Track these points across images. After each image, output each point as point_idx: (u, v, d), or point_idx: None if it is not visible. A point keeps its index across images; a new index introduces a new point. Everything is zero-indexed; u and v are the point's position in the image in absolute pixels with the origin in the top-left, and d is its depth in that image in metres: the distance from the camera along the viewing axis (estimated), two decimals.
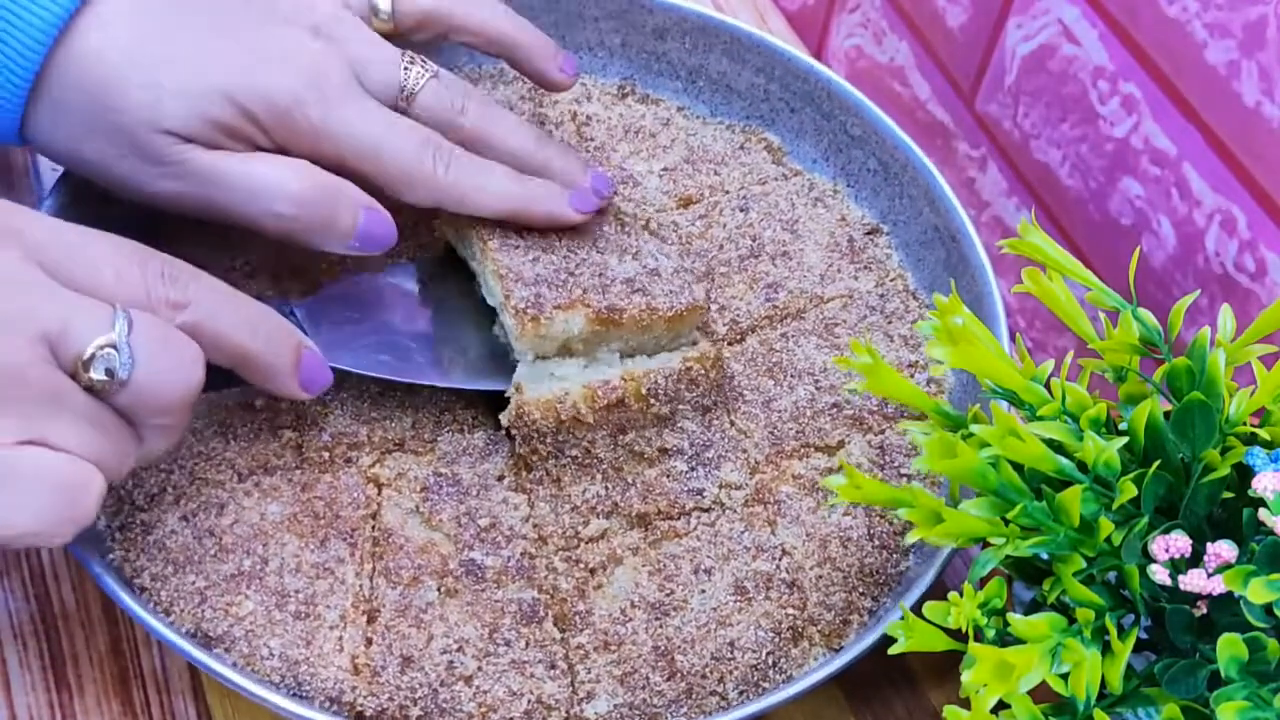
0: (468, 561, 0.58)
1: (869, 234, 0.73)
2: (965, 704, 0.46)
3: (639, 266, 0.62)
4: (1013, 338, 0.65)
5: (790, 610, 0.58)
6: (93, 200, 0.63)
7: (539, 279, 0.60)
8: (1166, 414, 0.48)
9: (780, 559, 0.60)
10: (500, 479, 0.61)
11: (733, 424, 0.64)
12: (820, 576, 0.59)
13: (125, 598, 0.53)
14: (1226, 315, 0.51)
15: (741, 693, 0.56)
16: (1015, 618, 0.46)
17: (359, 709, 0.54)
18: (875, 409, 0.65)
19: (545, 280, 0.60)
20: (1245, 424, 0.48)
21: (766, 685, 0.56)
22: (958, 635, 0.47)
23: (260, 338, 0.54)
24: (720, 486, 0.61)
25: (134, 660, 0.59)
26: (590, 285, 0.60)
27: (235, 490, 0.58)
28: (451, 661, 0.55)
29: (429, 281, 0.67)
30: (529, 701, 0.54)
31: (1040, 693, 0.45)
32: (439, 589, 0.57)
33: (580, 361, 0.61)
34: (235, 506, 0.58)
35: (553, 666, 0.56)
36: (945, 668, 0.63)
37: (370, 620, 0.56)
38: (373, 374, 0.61)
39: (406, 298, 0.67)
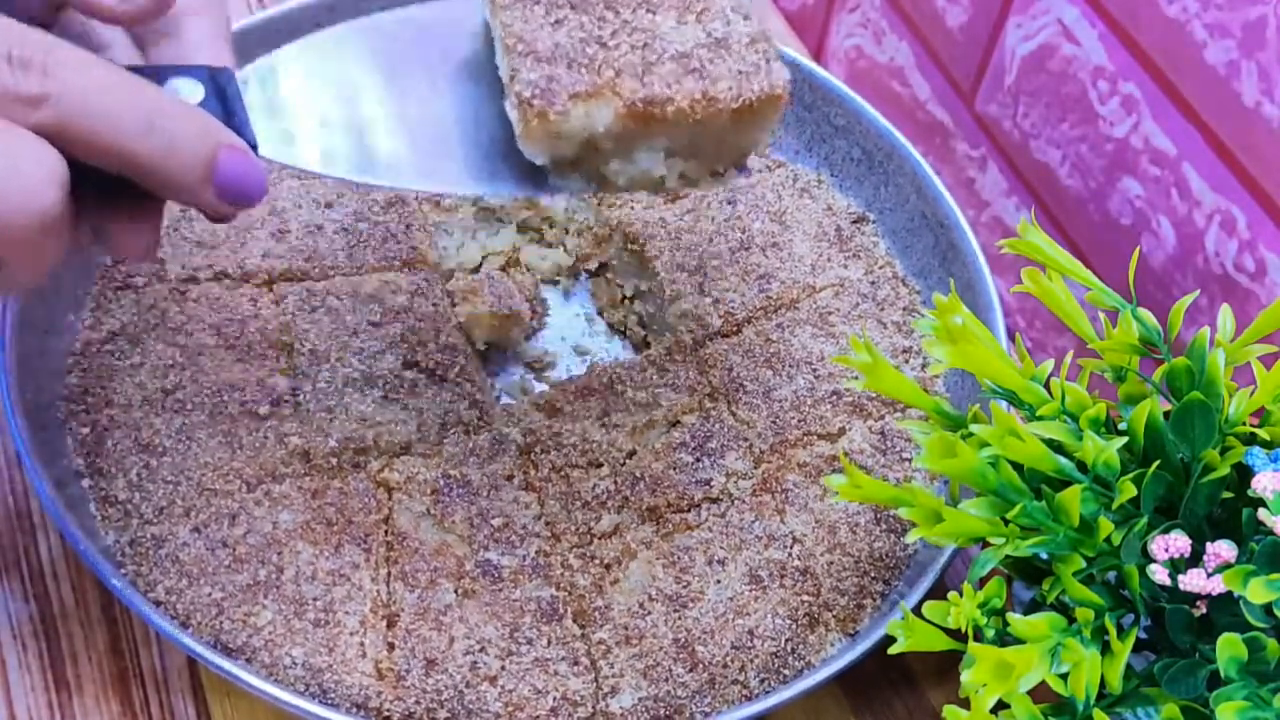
0: (483, 562, 0.58)
1: (855, 222, 0.74)
2: (965, 704, 0.46)
3: (701, 33, 0.49)
4: (1012, 337, 0.65)
5: (805, 597, 0.59)
6: None
7: (558, 53, 0.48)
8: (1166, 414, 0.48)
9: (791, 547, 0.60)
10: (510, 478, 0.61)
11: (734, 414, 0.64)
12: (832, 562, 0.60)
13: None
14: (1226, 315, 0.51)
15: (763, 681, 0.57)
16: (1015, 618, 0.46)
17: (386, 714, 0.54)
18: (875, 395, 0.65)
19: (565, 55, 0.48)
20: (1245, 424, 0.48)
21: (787, 672, 0.57)
22: (958, 635, 0.47)
23: (155, 136, 0.42)
24: (727, 476, 0.62)
25: (133, 659, 0.59)
26: (626, 63, 0.48)
27: (245, 500, 0.58)
28: (475, 662, 0.55)
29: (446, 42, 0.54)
30: (554, 699, 0.55)
31: (1040, 693, 0.45)
32: (456, 590, 0.57)
33: (612, 163, 0.49)
34: (246, 516, 0.58)
35: (575, 663, 0.56)
36: (945, 668, 0.63)
37: (390, 625, 0.56)
38: (321, 172, 0.49)
39: (400, 54, 0.53)
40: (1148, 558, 0.46)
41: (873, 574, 0.60)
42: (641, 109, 0.47)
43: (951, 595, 0.47)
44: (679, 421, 0.64)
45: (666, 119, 0.48)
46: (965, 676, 0.45)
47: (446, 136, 0.50)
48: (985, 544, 0.47)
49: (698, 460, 0.62)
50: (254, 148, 0.46)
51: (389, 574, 0.58)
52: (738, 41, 0.49)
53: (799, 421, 0.64)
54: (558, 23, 0.49)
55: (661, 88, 0.47)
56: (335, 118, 0.49)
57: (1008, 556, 0.47)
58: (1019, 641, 0.45)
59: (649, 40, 0.49)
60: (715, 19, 0.50)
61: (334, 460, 0.60)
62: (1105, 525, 0.46)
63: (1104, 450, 0.46)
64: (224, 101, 0.46)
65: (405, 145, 0.49)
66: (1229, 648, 0.43)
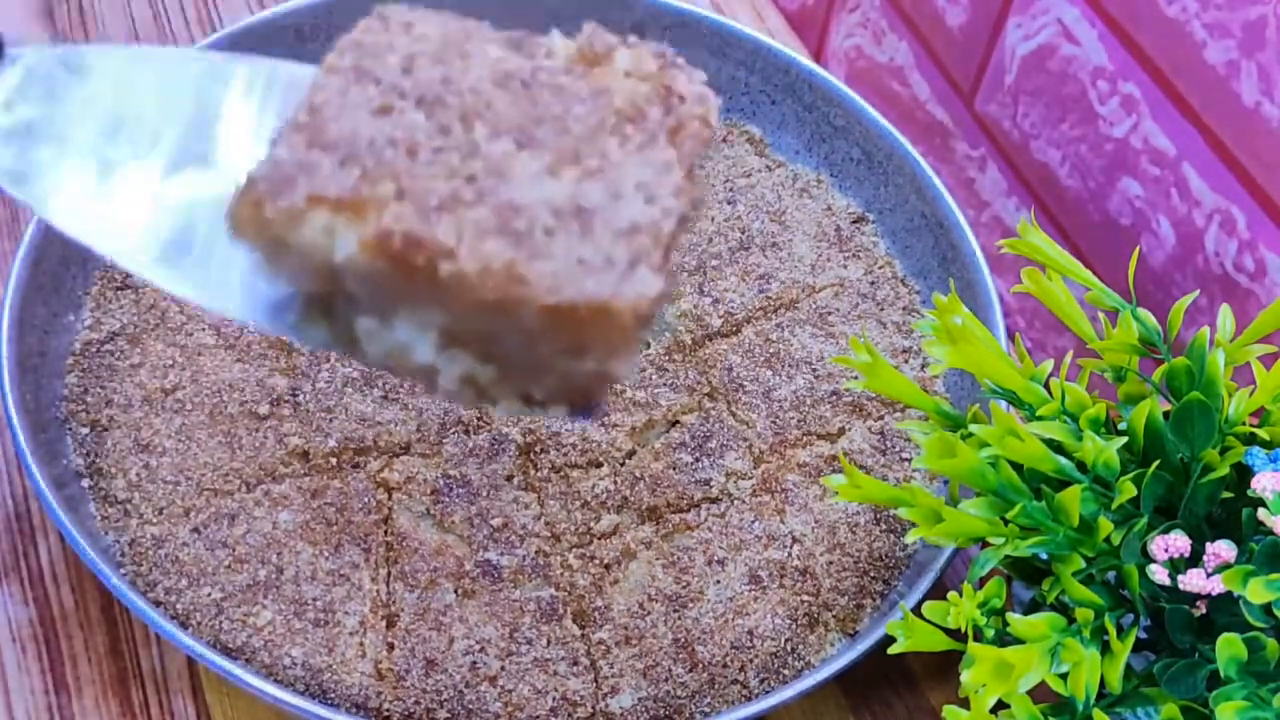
0: (483, 562, 0.58)
1: (855, 222, 0.74)
2: (965, 704, 0.46)
3: (565, 194, 0.36)
4: (1012, 337, 0.65)
5: (805, 597, 0.59)
6: None
7: (345, 142, 0.35)
8: (1166, 414, 0.48)
9: (791, 547, 0.60)
10: (509, 478, 0.61)
11: (734, 414, 0.64)
12: (831, 562, 0.60)
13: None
14: (1226, 315, 0.51)
15: (762, 680, 0.57)
16: (1014, 617, 0.46)
17: (386, 714, 0.54)
18: (875, 395, 0.65)
19: (351, 149, 0.35)
20: (1244, 424, 0.48)
21: (786, 673, 0.57)
22: (957, 635, 0.47)
23: None
24: (726, 476, 0.62)
25: (133, 660, 0.59)
26: (424, 189, 0.35)
27: (245, 500, 0.58)
28: (474, 662, 0.55)
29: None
30: (554, 699, 0.55)
31: (1040, 692, 0.45)
32: (456, 591, 0.57)
33: (362, 320, 0.37)
34: (246, 516, 0.58)
35: (575, 663, 0.56)
36: (945, 668, 0.63)
37: (390, 625, 0.56)
38: (35, 210, 0.41)
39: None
40: (1147, 558, 0.46)
41: (872, 574, 0.60)
42: (398, 248, 0.33)
43: (951, 595, 0.47)
44: (679, 421, 0.64)
45: (435, 278, 0.33)
46: (965, 676, 0.45)
47: (208, 223, 0.40)
48: (985, 544, 0.47)
49: (697, 460, 0.62)
50: None
51: (389, 574, 0.58)
52: (609, 222, 0.35)
53: (799, 421, 0.64)
54: (382, 111, 0.37)
55: (447, 234, 0.34)
56: (96, 153, 0.41)
57: (1007, 556, 0.47)
58: (1019, 641, 0.45)
59: (484, 175, 0.35)
60: (601, 186, 0.36)
61: (334, 460, 0.60)
62: (1105, 525, 0.46)
63: (1104, 450, 0.46)
64: None
65: (157, 218, 0.40)
66: (1229, 648, 0.43)
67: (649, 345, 0.61)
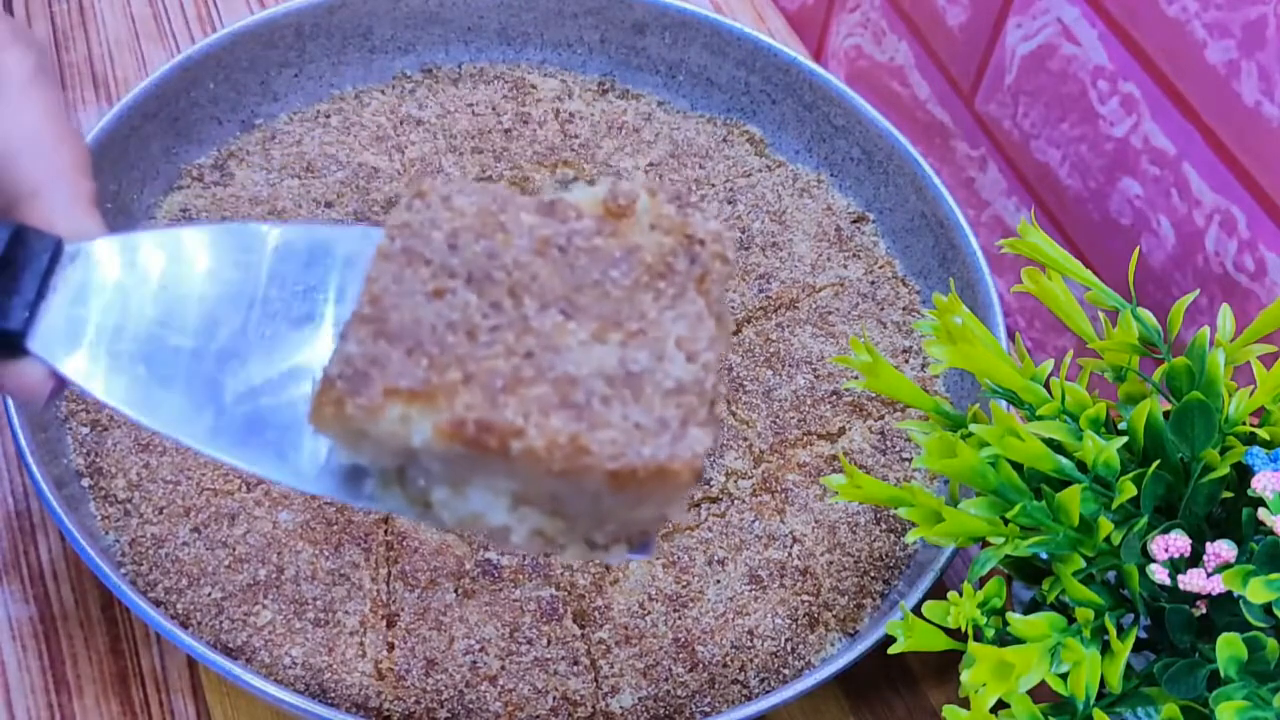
0: (483, 562, 0.58)
1: (855, 222, 0.74)
2: (965, 704, 0.46)
3: (614, 360, 0.37)
4: (1012, 337, 0.65)
5: (805, 597, 0.59)
6: None
7: (409, 330, 0.37)
8: (1166, 414, 0.48)
9: (791, 546, 0.60)
10: None
11: (734, 414, 0.64)
12: (831, 562, 0.60)
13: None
14: (1226, 315, 0.51)
15: (762, 680, 0.57)
16: (1015, 617, 0.46)
17: (386, 714, 0.54)
18: (875, 395, 0.65)
19: (415, 337, 0.37)
20: (1245, 424, 0.48)
21: (786, 672, 0.57)
22: (957, 635, 0.47)
23: None
24: (727, 476, 0.62)
25: (133, 659, 0.59)
26: (488, 369, 0.37)
27: (245, 500, 0.58)
28: (475, 662, 0.55)
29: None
30: (554, 698, 0.55)
31: (1040, 692, 0.45)
32: (456, 590, 0.57)
33: (436, 490, 0.39)
34: (246, 516, 0.58)
35: (575, 663, 0.56)
36: (945, 668, 0.63)
37: (390, 624, 0.56)
38: (93, 394, 0.41)
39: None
40: (1148, 557, 0.46)
41: (872, 574, 0.60)
42: (472, 434, 0.35)
43: (951, 595, 0.47)
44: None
45: (506, 455, 0.36)
46: (965, 676, 0.45)
47: (266, 395, 0.41)
48: (985, 544, 0.47)
49: None
50: (14, 334, 0.41)
51: (389, 574, 0.58)
52: (658, 384, 0.37)
53: (799, 421, 0.64)
54: (436, 293, 0.38)
55: (515, 414, 0.36)
56: (147, 334, 0.42)
57: (1007, 556, 0.47)
58: (1019, 641, 0.45)
59: (539, 350, 0.37)
60: (645, 348, 0.37)
61: None
62: (1105, 525, 0.46)
63: (1104, 450, 0.46)
64: (8, 268, 0.41)
65: (210, 395, 0.41)
66: (1229, 647, 0.43)
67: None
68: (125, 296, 0.42)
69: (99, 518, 0.58)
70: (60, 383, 0.42)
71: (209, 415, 0.41)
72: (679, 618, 0.57)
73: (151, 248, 0.43)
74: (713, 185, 0.74)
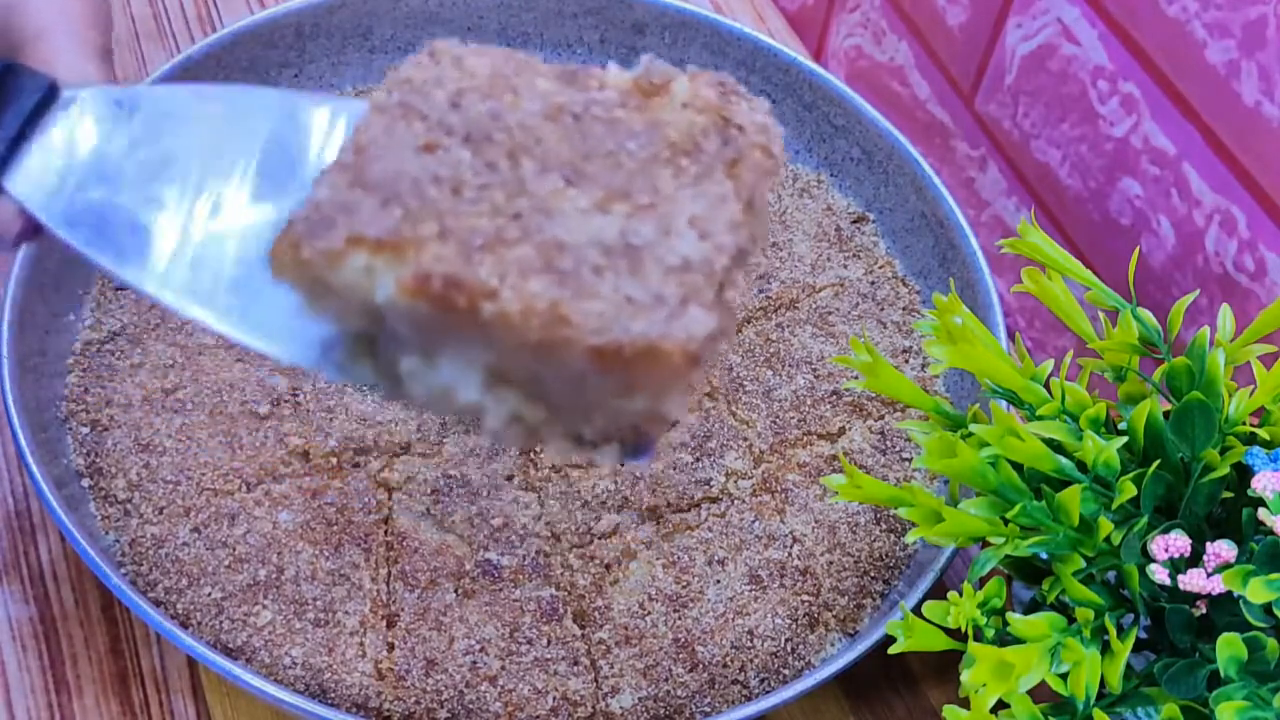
0: (483, 562, 0.58)
1: (855, 222, 0.74)
2: (965, 704, 0.46)
3: (615, 231, 0.34)
4: (1012, 337, 0.65)
5: (805, 597, 0.59)
6: None
7: (388, 181, 0.34)
8: (1166, 414, 0.48)
9: (791, 546, 0.60)
10: (510, 478, 0.61)
11: (733, 414, 0.64)
12: (831, 562, 0.60)
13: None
14: (1226, 315, 0.51)
15: (763, 680, 0.57)
16: (1015, 617, 0.46)
17: (386, 714, 0.54)
18: (875, 395, 0.65)
19: (393, 188, 0.34)
20: (1245, 424, 0.48)
21: (787, 672, 0.57)
22: (957, 635, 0.47)
23: None
24: (726, 475, 0.62)
25: (133, 660, 0.59)
26: (469, 228, 0.34)
27: (245, 500, 0.58)
28: (475, 662, 0.55)
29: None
30: (554, 699, 0.55)
31: (1040, 692, 0.45)
32: (456, 590, 0.57)
33: (404, 359, 0.36)
34: (246, 516, 0.58)
35: (575, 663, 0.56)
36: (945, 668, 0.63)
37: (390, 625, 0.56)
38: (70, 241, 0.40)
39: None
40: (1148, 557, 0.46)
41: (872, 574, 0.60)
42: (438, 290, 0.32)
43: (951, 595, 0.47)
44: (678, 421, 0.64)
45: (477, 319, 0.32)
46: (965, 676, 0.45)
47: (244, 253, 0.40)
48: (985, 544, 0.47)
49: (697, 460, 0.62)
50: None
51: (389, 574, 0.58)
52: (660, 259, 0.33)
53: (799, 421, 0.64)
54: (427, 148, 0.35)
55: (489, 274, 0.32)
56: (144, 192, 0.41)
57: (1008, 556, 0.47)
58: (1019, 641, 0.45)
59: (530, 212, 0.34)
60: (653, 221, 0.34)
61: (334, 460, 0.60)
62: (1105, 525, 0.46)
63: (1104, 450, 0.46)
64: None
65: (204, 257, 0.40)
66: (1229, 647, 0.43)
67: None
68: (113, 144, 0.41)
69: (99, 518, 0.58)
70: (31, 225, 0.41)
71: (182, 269, 0.39)
72: (679, 618, 0.57)
73: (152, 99, 0.42)
74: None
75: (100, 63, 0.45)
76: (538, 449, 0.55)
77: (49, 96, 0.41)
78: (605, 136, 0.36)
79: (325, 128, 0.42)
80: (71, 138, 0.41)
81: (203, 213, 0.40)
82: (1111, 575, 0.49)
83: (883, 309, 0.70)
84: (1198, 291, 0.62)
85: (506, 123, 0.36)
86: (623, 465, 0.53)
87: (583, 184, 0.35)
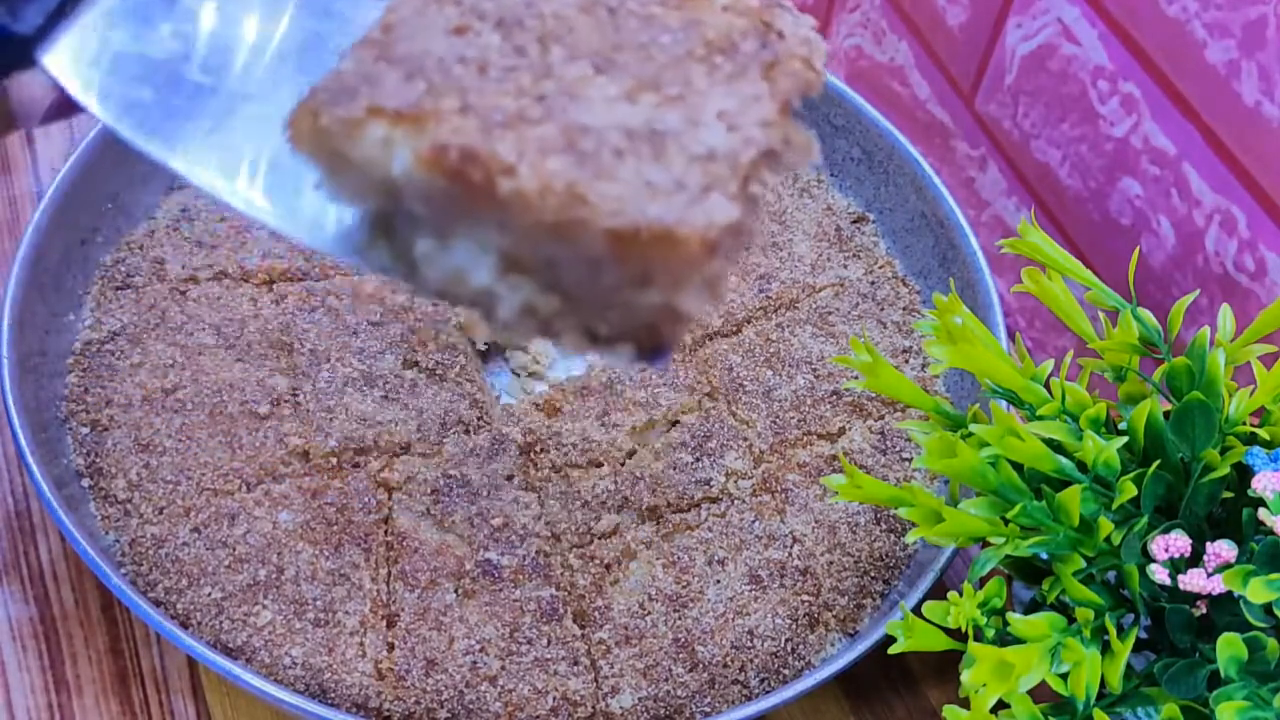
0: (483, 562, 0.58)
1: (855, 222, 0.74)
2: (965, 704, 0.46)
3: (641, 118, 0.34)
4: (1012, 337, 0.65)
5: (805, 597, 0.59)
6: (90, 199, 0.64)
7: (416, 58, 0.34)
8: (1166, 414, 0.48)
9: (791, 546, 0.60)
10: (510, 478, 0.61)
11: (734, 414, 0.64)
12: (832, 562, 0.60)
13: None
14: (1226, 315, 0.51)
15: (763, 680, 0.57)
16: (1015, 617, 0.46)
17: (386, 714, 0.54)
18: (875, 395, 0.65)
19: (420, 64, 0.34)
20: (1245, 424, 0.48)
21: (787, 672, 0.57)
22: (958, 635, 0.47)
23: None
24: (726, 475, 0.62)
25: (133, 660, 0.59)
26: (491, 106, 0.33)
27: (245, 500, 0.58)
28: (475, 662, 0.55)
29: None
30: (554, 699, 0.55)
31: (1040, 692, 0.45)
32: (456, 590, 0.57)
33: (419, 241, 0.35)
34: (246, 516, 0.58)
35: (575, 663, 0.56)
36: (945, 668, 0.63)
37: (390, 625, 0.56)
38: (117, 128, 0.39)
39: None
40: (1148, 557, 0.46)
41: (873, 574, 0.60)
42: (454, 162, 0.32)
43: (951, 595, 0.47)
44: (679, 421, 0.64)
45: (493, 196, 0.32)
46: (965, 676, 0.45)
47: (276, 138, 0.37)
48: (985, 544, 0.47)
49: (697, 460, 0.62)
50: (24, 39, 0.39)
51: (389, 574, 0.58)
52: (685, 147, 0.33)
53: (799, 421, 0.64)
54: (458, 30, 0.35)
55: (508, 150, 0.32)
56: (166, 62, 0.40)
57: (1008, 556, 0.47)
58: (1019, 641, 0.45)
59: (555, 95, 0.33)
60: (680, 110, 0.34)
61: (334, 460, 0.60)
62: (1105, 525, 0.46)
63: (1104, 450, 0.46)
64: None
65: (225, 117, 0.39)
66: (1229, 647, 0.43)
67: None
68: (153, 25, 0.41)
69: (99, 518, 0.58)
70: (62, 101, 0.41)
71: (211, 150, 0.39)
72: (679, 618, 0.57)
73: None
74: None
75: None
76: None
77: None
78: (639, 30, 0.35)
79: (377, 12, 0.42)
80: (113, 17, 0.41)
81: (238, 91, 0.40)
82: (1112, 575, 0.49)
83: (883, 309, 0.70)
84: (1198, 291, 0.62)
85: (540, 10, 0.35)
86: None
87: (612, 72, 0.34)
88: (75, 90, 0.40)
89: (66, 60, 0.40)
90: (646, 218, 0.31)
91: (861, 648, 0.56)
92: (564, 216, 0.31)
